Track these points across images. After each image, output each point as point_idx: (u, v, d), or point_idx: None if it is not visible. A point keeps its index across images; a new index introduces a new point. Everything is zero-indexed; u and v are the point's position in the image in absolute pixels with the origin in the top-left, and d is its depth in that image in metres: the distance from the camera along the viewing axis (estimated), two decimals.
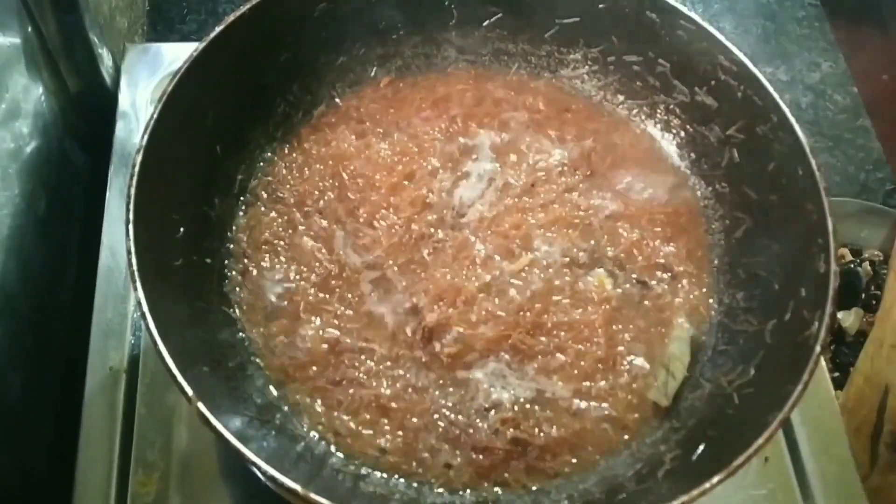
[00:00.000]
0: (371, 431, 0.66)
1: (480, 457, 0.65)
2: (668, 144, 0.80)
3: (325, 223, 0.74)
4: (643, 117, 0.82)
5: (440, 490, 0.64)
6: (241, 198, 0.76)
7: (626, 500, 0.61)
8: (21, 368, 0.74)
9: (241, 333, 0.69)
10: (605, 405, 0.67)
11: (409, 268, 0.72)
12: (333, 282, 0.72)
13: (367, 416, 0.66)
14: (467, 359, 0.68)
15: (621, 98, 0.83)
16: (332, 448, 0.65)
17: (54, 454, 0.77)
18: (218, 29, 0.70)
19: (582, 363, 0.69)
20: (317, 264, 0.73)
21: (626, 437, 0.66)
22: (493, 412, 0.66)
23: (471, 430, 0.65)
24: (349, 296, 0.71)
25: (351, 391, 0.67)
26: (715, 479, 0.55)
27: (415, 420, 0.66)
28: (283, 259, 0.73)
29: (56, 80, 0.87)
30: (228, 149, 0.75)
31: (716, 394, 0.67)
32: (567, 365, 0.68)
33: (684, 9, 0.74)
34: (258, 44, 0.74)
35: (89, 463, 0.70)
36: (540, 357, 0.69)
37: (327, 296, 0.71)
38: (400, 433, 0.66)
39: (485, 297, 0.71)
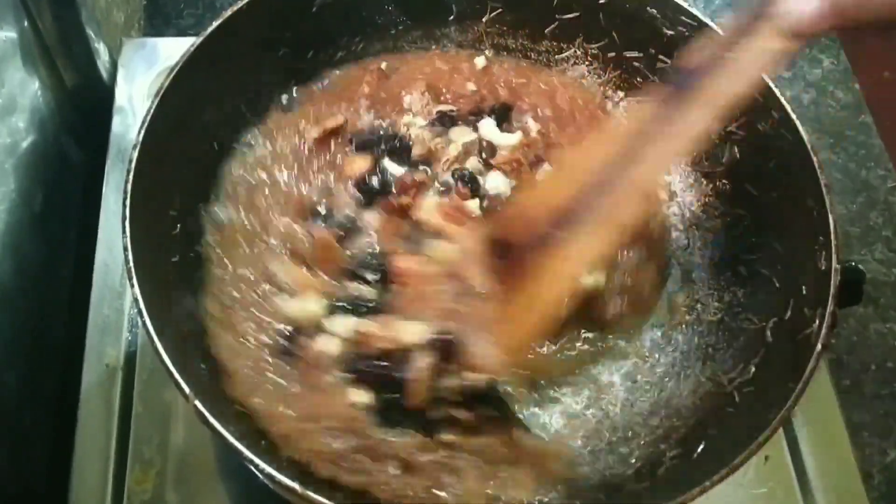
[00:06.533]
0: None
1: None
2: None
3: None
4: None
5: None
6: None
7: (626, 499, 0.61)
8: (17, 365, 0.74)
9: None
10: None
11: None
12: None
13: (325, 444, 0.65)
14: None
15: (621, 94, 0.82)
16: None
17: (51, 451, 0.77)
18: (215, 24, 0.70)
19: None
20: None
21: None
22: None
23: None
24: None
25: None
26: (715, 478, 0.55)
27: None
28: None
29: (52, 74, 0.86)
30: (225, 144, 0.75)
31: (716, 392, 0.67)
32: None
33: (685, 4, 0.74)
34: (255, 39, 0.74)
35: (86, 460, 0.70)
36: None
37: None
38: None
39: None
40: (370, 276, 0.67)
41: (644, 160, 0.58)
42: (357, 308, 0.66)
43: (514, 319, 0.61)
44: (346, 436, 0.60)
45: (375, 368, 0.62)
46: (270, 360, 0.64)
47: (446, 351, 0.61)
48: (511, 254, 0.62)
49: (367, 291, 0.67)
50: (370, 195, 0.72)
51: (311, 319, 0.65)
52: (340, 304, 0.66)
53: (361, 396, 0.62)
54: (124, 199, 0.61)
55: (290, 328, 0.65)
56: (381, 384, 0.62)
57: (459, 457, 0.61)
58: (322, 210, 0.71)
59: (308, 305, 0.66)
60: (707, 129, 0.56)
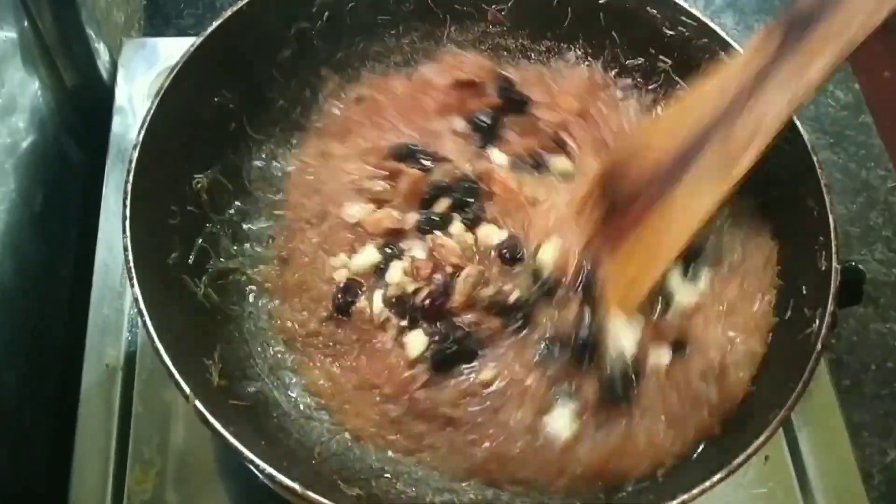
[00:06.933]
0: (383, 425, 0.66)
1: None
2: None
3: None
4: (643, 114, 0.81)
5: (440, 488, 0.64)
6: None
7: (626, 500, 0.61)
8: (17, 365, 0.74)
9: (238, 330, 0.69)
10: None
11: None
12: None
13: (382, 412, 0.66)
14: None
15: (621, 94, 0.82)
16: (345, 443, 0.65)
17: (51, 451, 0.77)
18: (215, 24, 0.70)
19: None
20: None
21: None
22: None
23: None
24: None
25: (358, 391, 0.67)
26: (715, 478, 0.55)
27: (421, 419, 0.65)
28: None
29: (52, 74, 0.86)
30: (225, 145, 0.75)
31: None
32: None
33: (685, 4, 0.74)
34: (256, 39, 0.74)
35: (86, 460, 0.70)
36: None
37: None
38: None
39: None
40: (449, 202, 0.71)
41: (761, 107, 0.56)
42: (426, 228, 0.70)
43: (627, 272, 0.62)
44: (398, 402, 0.64)
45: (426, 302, 0.66)
46: (325, 328, 0.68)
47: (512, 253, 0.67)
48: (619, 205, 0.63)
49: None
50: (485, 131, 0.76)
51: (372, 266, 0.69)
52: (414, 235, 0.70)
53: (418, 341, 0.65)
54: (124, 199, 0.61)
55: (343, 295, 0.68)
56: (432, 315, 0.66)
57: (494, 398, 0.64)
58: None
59: (367, 256, 0.69)
60: (827, 75, 0.54)
